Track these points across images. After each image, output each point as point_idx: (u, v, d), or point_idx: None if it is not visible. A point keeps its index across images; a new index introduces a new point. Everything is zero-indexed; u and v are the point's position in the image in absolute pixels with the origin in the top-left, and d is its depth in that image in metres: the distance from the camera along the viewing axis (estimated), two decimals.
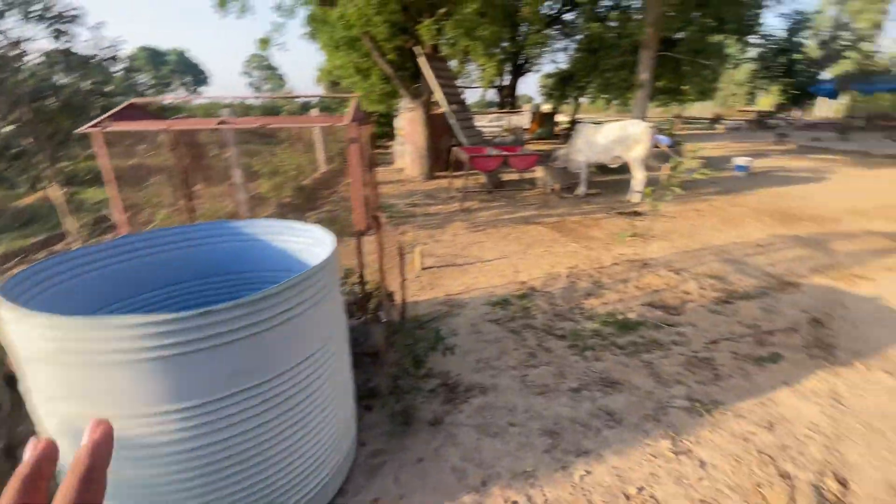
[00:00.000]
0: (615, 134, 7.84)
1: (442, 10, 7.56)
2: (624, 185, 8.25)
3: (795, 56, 27.37)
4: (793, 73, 27.58)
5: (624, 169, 8.08)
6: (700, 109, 53.83)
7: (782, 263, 4.85)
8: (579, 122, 9.99)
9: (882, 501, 1.95)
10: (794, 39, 27.87)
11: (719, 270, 4.67)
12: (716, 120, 32.11)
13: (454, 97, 9.50)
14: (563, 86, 18.28)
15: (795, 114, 27.96)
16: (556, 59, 20.30)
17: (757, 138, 19.54)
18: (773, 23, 28.69)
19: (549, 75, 20.16)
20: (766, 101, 33.57)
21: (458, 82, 12.28)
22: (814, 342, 3.22)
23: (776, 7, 12.55)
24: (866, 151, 14.02)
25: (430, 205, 8.05)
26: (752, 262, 4.92)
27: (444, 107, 8.98)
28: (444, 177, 10.01)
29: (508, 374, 2.92)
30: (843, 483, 2.04)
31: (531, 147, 13.51)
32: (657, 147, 11.66)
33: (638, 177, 7.69)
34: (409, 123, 10.51)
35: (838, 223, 6.35)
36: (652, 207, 5.85)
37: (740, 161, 10.16)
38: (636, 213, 6.87)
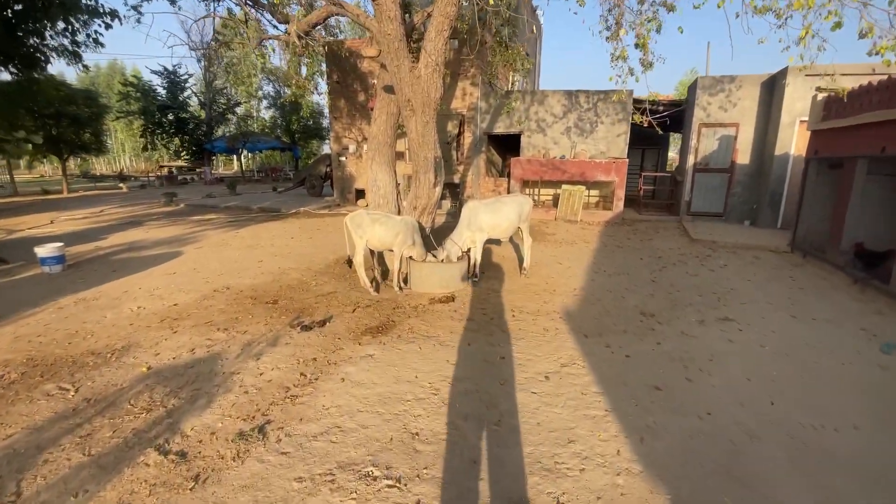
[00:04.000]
0: None
1: None
2: None
3: (183, 115, 27.42)
4: (186, 131, 27.58)
5: None
6: (117, 165, 48.23)
7: None
8: None
9: None
10: (180, 98, 27.96)
11: None
12: (122, 178, 28.13)
13: None
14: None
15: (204, 169, 28.22)
16: None
17: (150, 199, 17.03)
18: (153, 79, 27.41)
19: None
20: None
21: None
22: None
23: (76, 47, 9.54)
24: (247, 206, 14.11)
25: None
26: None
27: None
28: None
29: None
30: None
31: None
32: None
33: None
34: None
35: (115, 364, 3.74)
36: None
37: (45, 250, 6.49)
38: None
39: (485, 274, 6.28)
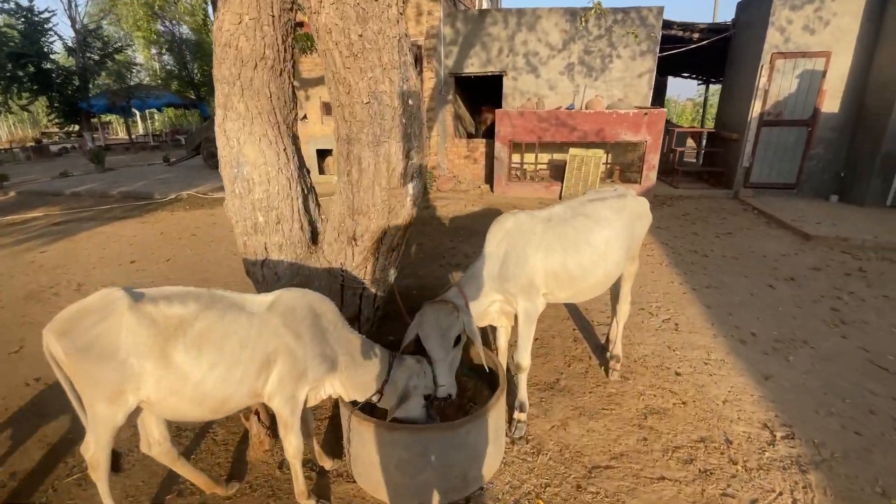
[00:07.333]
0: None
1: None
2: None
3: (46, 65, 20.89)
4: (53, 86, 21.15)
5: None
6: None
7: None
8: None
9: None
10: (38, 43, 21.23)
11: None
12: None
13: None
14: None
15: (83, 136, 22.06)
16: None
17: None
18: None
19: None
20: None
21: None
22: None
23: None
24: (104, 192, 9.55)
25: None
26: None
27: None
28: None
29: None
30: None
31: None
32: None
33: None
34: None
35: None
36: None
37: None
38: None
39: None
